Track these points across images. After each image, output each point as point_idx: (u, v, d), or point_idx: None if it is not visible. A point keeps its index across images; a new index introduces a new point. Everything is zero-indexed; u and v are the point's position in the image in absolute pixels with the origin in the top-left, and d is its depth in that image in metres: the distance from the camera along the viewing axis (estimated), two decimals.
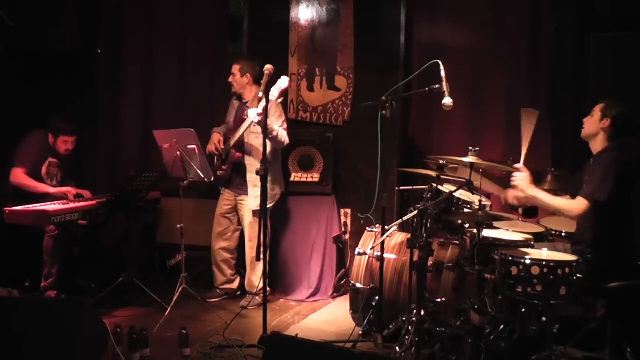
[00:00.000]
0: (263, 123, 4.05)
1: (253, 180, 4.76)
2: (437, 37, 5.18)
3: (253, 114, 4.35)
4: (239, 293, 5.08)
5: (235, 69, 4.83)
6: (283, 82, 4.31)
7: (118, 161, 5.97)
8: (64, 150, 4.89)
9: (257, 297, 4.77)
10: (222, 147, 4.82)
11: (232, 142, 4.76)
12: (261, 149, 4.62)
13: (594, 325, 3.57)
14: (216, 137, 4.85)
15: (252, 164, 4.74)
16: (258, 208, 4.69)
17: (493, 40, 5.03)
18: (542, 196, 3.56)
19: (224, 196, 5.01)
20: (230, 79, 4.86)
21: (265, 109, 4.02)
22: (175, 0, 5.85)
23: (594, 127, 3.68)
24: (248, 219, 4.86)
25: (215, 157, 4.88)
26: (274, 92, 4.31)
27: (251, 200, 4.80)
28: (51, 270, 4.59)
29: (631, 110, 4.45)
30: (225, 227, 5.02)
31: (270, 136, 4.49)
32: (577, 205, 3.45)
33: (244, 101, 4.90)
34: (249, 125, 4.56)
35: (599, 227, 3.50)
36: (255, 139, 4.70)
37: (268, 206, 4.76)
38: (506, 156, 4.63)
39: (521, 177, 3.60)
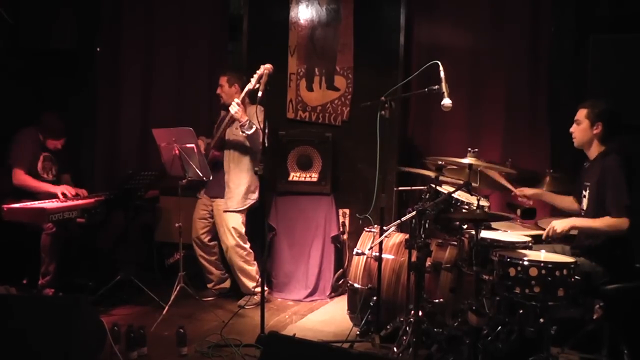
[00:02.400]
0: (246, 119, 4.09)
1: (228, 182, 4.82)
2: (436, 38, 5.18)
3: (233, 105, 4.48)
4: (230, 293, 5.07)
5: (223, 80, 4.88)
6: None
7: (116, 159, 5.96)
8: (52, 148, 4.95)
9: (254, 297, 4.76)
10: (204, 152, 4.83)
11: (212, 142, 4.84)
12: (240, 143, 4.72)
13: (591, 326, 3.58)
14: (200, 143, 4.84)
15: (230, 159, 4.81)
16: (229, 209, 4.80)
17: (492, 41, 5.02)
18: (582, 222, 3.59)
19: (201, 201, 5.03)
20: (219, 91, 4.90)
21: (263, 106, 4.02)
22: None
23: (586, 134, 3.67)
24: (219, 220, 4.88)
25: None
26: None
27: (224, 200, 4.83)
28: (48, 268, 4.59)
29: (630, 111, 4.47)
30: (200, 232, 5.01)
31: (248, 132, 4.58)
32: (621, 221, 3.43)
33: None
34: (227, 120, 4.65)
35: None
36: (232, 135, 4.76)
37: (242, 208, 4.85)
38: (505, 157, 4.64)
39: (555, 223, 3.57)
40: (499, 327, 3.49)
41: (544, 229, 4.15)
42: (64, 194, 4.74)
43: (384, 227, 3.96)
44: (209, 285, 5.10)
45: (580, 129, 3.69)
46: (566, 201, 4.05)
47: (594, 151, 3.70)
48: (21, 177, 4.75)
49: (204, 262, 5.06)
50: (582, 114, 3.69)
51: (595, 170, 3.63)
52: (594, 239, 3.60)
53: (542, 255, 3.37)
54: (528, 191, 4.13)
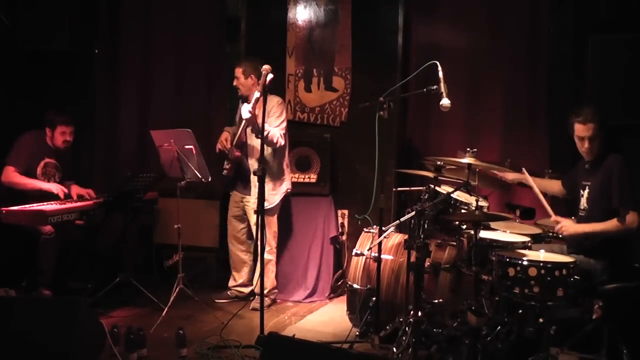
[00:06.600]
0: (260, 122, 4.05)
1: (255, 181, 4.76)
2: (434, 38, 5.19)
3: (245, 110, 4.36)
4: (251, 298, 4.97)
5: (239, 72, 4.78)
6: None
7: (115, 161, 5.95)
8: (62, 142, 4.85)
9: (266, 299, 4.69)
10: (229, 145, 4.80)
11: (234, 142, 4.79)
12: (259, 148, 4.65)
13: (590, 326, 3.58)
14: (224, 135, 4.83)
15: (253, 165, 4.74)
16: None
17: (491, 42, 5.03)
18: (592, 228, 3.56)
19: (233, 198, 5.00)
20: (235, 83, 4.81)
21: (263, 108, 4.01)
22: (172, 0, 5.84)
23: (602, 143, 3.63)
24: (253, 219, 4.87)
25: (226, 158, 4.86)
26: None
27: (253, 200, 4.77)
28: (45, 269, 4.55)
29: (629, 111, 4.48)
30: (237, 229, 5.00)
31: (259, 137, 4.50)
32: (632, 219, 3.45)
33: (249, 102, 4.90)
34: (245, 124, 4.57)
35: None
36: (254, 140, 4.71)
37: (276, 202, 4.82)
38: (504, 158, 4.64)
39: (566, 225, 3.60)
40: (498, 327, 3.49)
41: (543, 229, 4.18)
42: (60, 191, 4.70)
43: (383, 228, 3.96)
44: (231, 284, 5.04)
45: (598, 142, 3.62)
46: (553, 186, 4.05)
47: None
48: (10, 175, 4.65)
49: (235, 259, 5.02)
50: (590, 129, 3.59)
51: (597, 171, 3.62)
52: (591, 240, 3.60)
53: (541, 255, 3.37)
54: (510, 175, 4.10)
